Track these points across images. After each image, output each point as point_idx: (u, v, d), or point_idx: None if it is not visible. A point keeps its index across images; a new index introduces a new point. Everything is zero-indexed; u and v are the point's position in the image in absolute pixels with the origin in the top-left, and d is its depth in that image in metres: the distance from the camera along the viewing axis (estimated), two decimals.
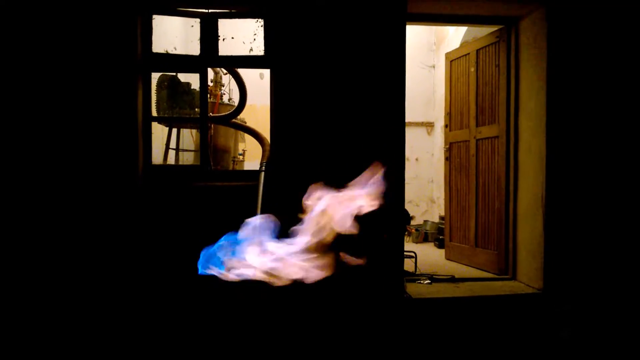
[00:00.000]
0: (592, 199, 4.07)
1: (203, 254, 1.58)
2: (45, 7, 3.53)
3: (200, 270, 1.57)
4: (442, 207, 6.74)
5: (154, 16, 3.90)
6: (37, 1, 3.51)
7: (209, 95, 5.74)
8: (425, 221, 7.50)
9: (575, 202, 4.06)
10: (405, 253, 4.10)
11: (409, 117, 4.15)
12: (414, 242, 7.03)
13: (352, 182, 1.65)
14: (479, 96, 5.00)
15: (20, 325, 3.37)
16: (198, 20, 3.95)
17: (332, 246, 1.61)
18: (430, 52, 8.33)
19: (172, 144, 6.16)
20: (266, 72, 4.55)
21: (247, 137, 6.62)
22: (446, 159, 5.59)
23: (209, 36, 3.94)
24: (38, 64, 3.52)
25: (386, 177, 1.64)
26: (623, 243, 4.08)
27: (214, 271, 1.55)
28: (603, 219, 4.08)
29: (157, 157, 5.62)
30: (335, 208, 1.57)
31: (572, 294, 4.01)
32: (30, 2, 3.50)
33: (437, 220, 7.51)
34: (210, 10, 3.95)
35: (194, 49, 4.17)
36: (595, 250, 4.06)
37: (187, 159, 6.66)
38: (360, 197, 1.59)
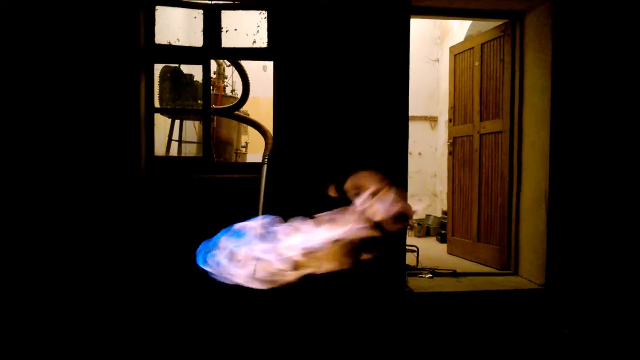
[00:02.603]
0: (595, 194, 4.06)
1: (203, 247, 1.59)
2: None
3: (200, 263, 1.57)
4: (445, 201, 6.73)
5: (157, 7, 3.89)
6: None
7: (211, 87, 5.73)
8: (428, 215, 7.50)
9: (578, 198, 4.05)
10: (407, 247, 4.10)
11: (412, 111, 4.14)
12: (416, 236, 7.03)
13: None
14: (483, 91, 4.97)
15: (19, 317, 3.39)
16: (201, 11, 3.93)
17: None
18: (435, 45, 8.28)
19: (175, 136, 6.16)
20: (269, 64, 4.53)
21: (250, 129, 6.62)
22: (449, 153, 5.57)
23: (212, 28, 3.92)
24: (41, 55, 3.51)
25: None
26: (626, 239, 4.07)
27: (213, 265, 1.56)
28: (606, 215, 4.06)
29: (159, 149, 5.62)
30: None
31: (574, 289, 4.01)
32: None
33: (439, 214, 7.50)
34: (213, 2, 3.93)
35: (197, 41, 4.15)
36: (598, 246, 4.05)
37: (190, 150, 6.66)
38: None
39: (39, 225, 3.50)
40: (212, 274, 1.61)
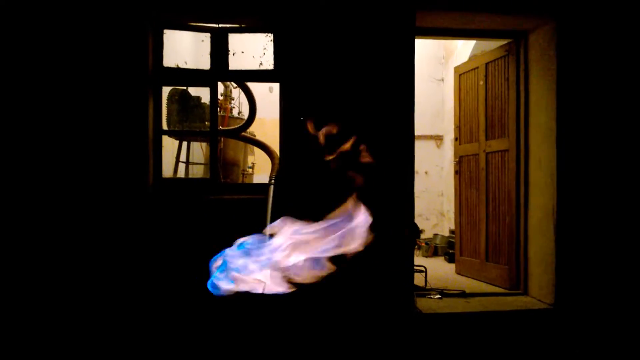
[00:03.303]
0: (603, 212, 4.02)
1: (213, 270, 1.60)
2: (58, 23, 3.59)
3: (212, 289, 1.58)
4: (452, 220, 6.69)
5: (165, 31, 3.96)
6: (50, 18, 3.58)
7: (218, 108, 5.78)
8: (435, 235, 7.45)
9: (586, 216, 4.02)
10: (415, 267, 4.06)
11: (417, 130, 4.15)
12: (423, 256, 6.98)
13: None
14: (488, 109, 4.99)
15: (29, 338, 3.38)
16: (209, 34, 4.00)
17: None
18: (439, 65, 8.35)
19: (182, 157, 6.19)
20: (275, 86, 4.58)
21: (257, 150, 6.65)
22: (456, 172, 5.56)
23: (219, 50, 3.98)
24: (52, 78, 3.57)
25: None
26: (636, 256, 4.01)
27: (223, 285, 1.56)
28: (615, 233, 4.02)
29: (167, 170, 5.65)
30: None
31: (585, 309, 3.95)
32: (44, 19, 3.57)
33: (447, 234, 7.46)
34: (220, 25, 4.00)
35: (205, 63, 4.21)
36: (608, 264, 4.00)
37: (197, 172, 6.69)
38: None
39: (50, 246, 3.52)
40: (217, 292, 1.61)
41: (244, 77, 4.23)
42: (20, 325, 3.40)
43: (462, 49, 7.07)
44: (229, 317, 3.51)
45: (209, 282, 1.58)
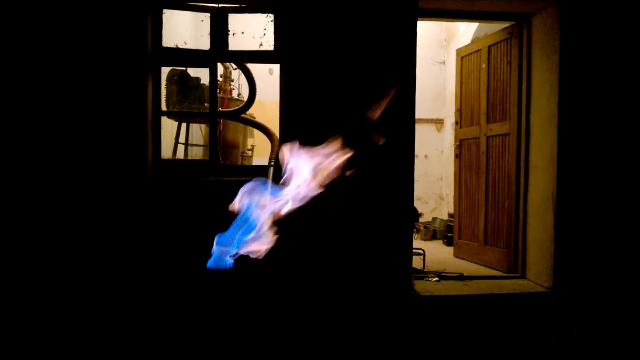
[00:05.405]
0: (603, 197, 4.03)
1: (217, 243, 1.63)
2: (57, 2, 3.54)
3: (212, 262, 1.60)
4: (451, 204, 6.70)
5: (164, 11, 3.90)
6: None
7: (218, 90, 5.74)
8: (434, 218, 7.47)
9: (586, 201, 4.02)
10: (413, 250, 4.08)
11: (418, 113, 4.12)
12: (422, 239, 7.01)
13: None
14: (489, 93, 4.95)
15: (23, 317, 3.41)
16: (208, 14, 3.95)
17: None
18: (441, 48, 8.27)
19: (182, 139, 6.18)
20: (276, 68, 4.54)
21: (256, 132, 6.63)
22: (456, 156, 5.55)
23: (219, 31, 3.93)
24: (51, 59, 3.53)
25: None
26: (635, 242, 4.03)
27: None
28: (615, 218, 4.03)
29: (166, 152, 5.64)
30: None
31: (583, 292, 3.98)
32: None
33: (446, 217, 7.48)
34: (220, 5, 3.94)
35: (204, 44, 4.16)
36: (606, 249, 4.02)
37: (196, 153, 6.68)
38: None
39: (47, 226, 3.53)
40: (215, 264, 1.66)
41: (243, 58, 4.19)
42: (16, 302, 3.43)
43: (465, 32, 7.00)
44: (225, 297, 3.53)
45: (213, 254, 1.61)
